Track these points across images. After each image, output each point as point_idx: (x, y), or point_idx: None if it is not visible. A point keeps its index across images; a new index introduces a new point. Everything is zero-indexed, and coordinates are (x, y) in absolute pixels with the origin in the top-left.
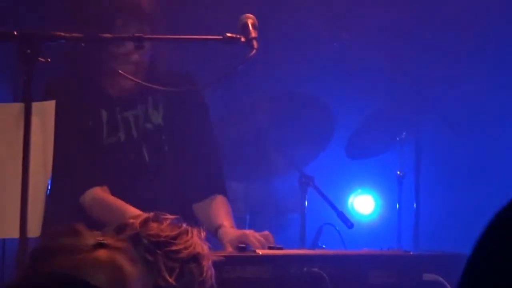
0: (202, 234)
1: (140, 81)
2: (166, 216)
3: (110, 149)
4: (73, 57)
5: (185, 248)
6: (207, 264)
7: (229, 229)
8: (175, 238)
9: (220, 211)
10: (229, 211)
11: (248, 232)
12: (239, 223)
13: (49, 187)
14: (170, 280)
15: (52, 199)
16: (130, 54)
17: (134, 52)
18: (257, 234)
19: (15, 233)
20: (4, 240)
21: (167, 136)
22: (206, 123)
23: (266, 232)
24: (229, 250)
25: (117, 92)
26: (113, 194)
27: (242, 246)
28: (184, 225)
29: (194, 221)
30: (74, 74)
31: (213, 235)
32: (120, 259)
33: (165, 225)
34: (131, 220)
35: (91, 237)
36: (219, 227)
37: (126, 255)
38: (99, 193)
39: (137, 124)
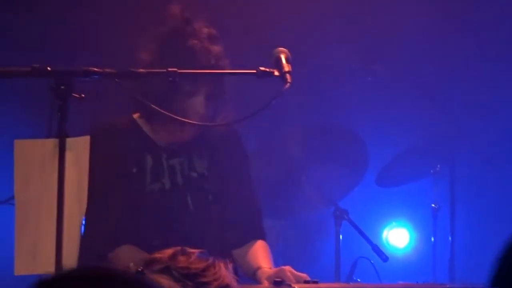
0: (229, 266)
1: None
2: (192, 250)
3: (154, 195)
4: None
5: (215, 280)
6: None
7: (267, 269)
8: (204, 270)
9: (259, 254)
10: (269, 254)
11: (286, 267)
12: (274, 256)
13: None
14: None
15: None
16: (198, 107)
17: (202, 106)
18: (294, 270)
19: (50, 269)
20: (40, 276)
21: (211, 185)
22: (247, 174)
23: (305, 275)
24: (266, 285)
25: (165, 139)
26: (155, 240)
27: (278, 280)
28: (211, 259)
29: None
30: (122, 117)
31: (252, 278)
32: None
33: (193, 259)
34: (158, 255)
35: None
36: (257, 269)
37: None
38: (130, 246)
39: (183, 172)
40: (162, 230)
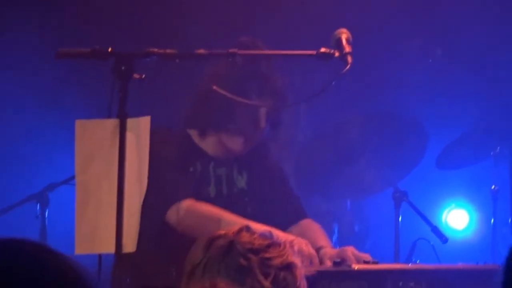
0: (294, 247)
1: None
2: (257, 229)
3: (200, 201)
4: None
5: (279, 256)
6: (300, 274)
7: (329, 249)
8: (268, 246)
9: (315, 233)
10: (323, 232)
11: (348, 248)
12: (336, 238)
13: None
14: (266, 283)
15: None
16: (260, 119)
17: (264, 118)
18: (356, 251)
19: (110, 249)
20: (100, 255)
21: (249, 198)
22: (282, 179)
23: (367, 255)
24: (328, 264)
25: (214, 151)
26: None
27: (338, 261)
28: (275, 238)
29: None
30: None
31: None
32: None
33: (257, 236)
34: (224, 232)
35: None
36: (319, 248)
37: None
38: (192, 203)
39: (227, 183)
40: None
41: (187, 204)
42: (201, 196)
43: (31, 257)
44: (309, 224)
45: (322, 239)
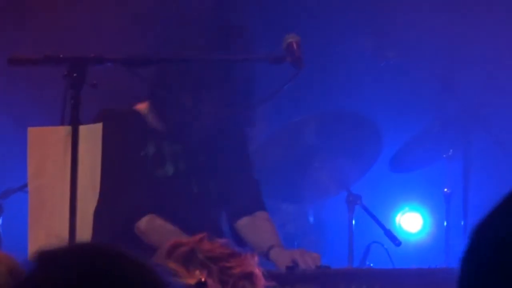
0: (255, 258)
1: None
2: (218, 240)
3: (157, 182)
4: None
5: (239, 266)
6: (261, 284)
7: (279, 249)
8: (228, 256)
9: (267, 231)
10: (274, 229)
11: (298, 252)
12: (289, 242)
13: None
14: None
15: (103, 220)
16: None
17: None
18: (306, 252)
19: None
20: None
21: (211, 169)
22: (245, 153)
23: (316, 254)
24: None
25: (164, 126)
26: None
27: (291, 265)
28: (236, 249)
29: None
30: (124, 106)
31: (264, 256)
32: None
33: (218, 245)
34: (185, 240)
35: (189, 277)
36: (269, 248)
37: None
38: (158, 220)
39: (185, 157)
40: (168, 217)
41: (151, 220)
42: (157, 178)
43: (109, 263)
44: (263, 220)
45: (273, 238)
